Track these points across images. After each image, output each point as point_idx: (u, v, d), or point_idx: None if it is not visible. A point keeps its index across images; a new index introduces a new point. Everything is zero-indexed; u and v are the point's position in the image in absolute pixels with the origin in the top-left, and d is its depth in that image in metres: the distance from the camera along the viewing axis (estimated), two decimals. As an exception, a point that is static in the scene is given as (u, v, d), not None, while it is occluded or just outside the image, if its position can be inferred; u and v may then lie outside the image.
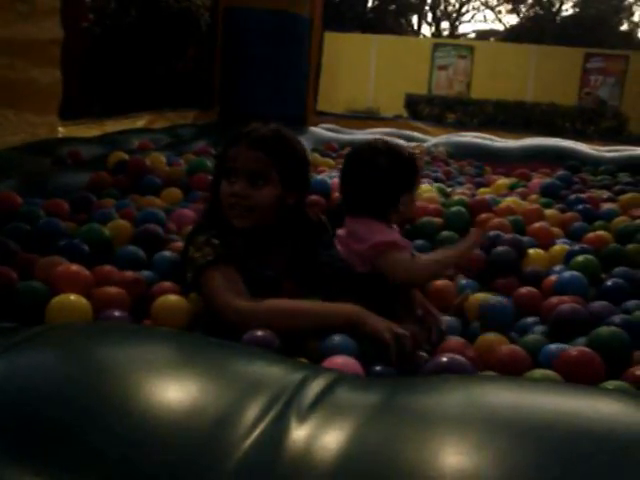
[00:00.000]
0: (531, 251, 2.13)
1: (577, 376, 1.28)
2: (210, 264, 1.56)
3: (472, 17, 42.66)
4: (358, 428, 0.82)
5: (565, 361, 1.35)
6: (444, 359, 1.30)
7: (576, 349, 1.37)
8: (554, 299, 1.77)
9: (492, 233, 2.19)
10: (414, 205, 1.82)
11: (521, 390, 0.91)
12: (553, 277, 1.94)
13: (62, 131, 3.94)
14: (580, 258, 2.03)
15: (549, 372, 1.33)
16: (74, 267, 1.68)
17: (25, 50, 3.45)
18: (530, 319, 1.78)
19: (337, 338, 1.40)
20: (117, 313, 1.55)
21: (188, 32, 6.93)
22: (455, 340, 1.49)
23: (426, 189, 2.79)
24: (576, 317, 1.63)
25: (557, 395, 0.89)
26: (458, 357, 1.30)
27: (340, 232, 1.73)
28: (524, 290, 1.87)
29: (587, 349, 1.37)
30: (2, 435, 0.85)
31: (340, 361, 1.31)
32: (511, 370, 1.35)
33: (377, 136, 4.73)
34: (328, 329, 1.44)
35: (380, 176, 1.68)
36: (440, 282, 1.88)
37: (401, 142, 4.69)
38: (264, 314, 1.48)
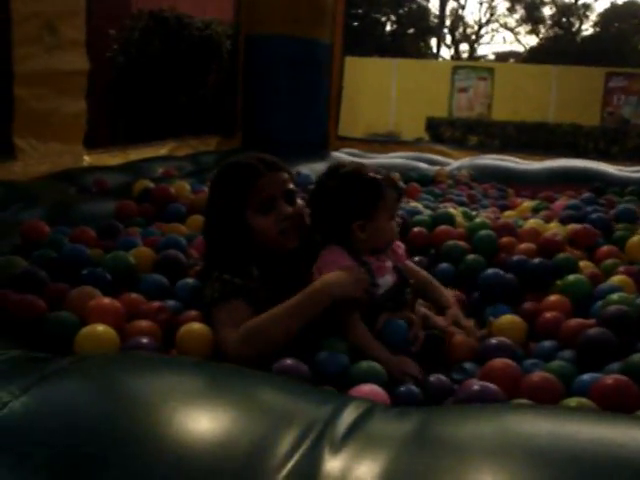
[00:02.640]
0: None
1: (614, 404, 1.25)
2: (217, 301, 1.58)
3: (491, 39, 42.83)
4: (392, 459, 0.81)
5: (601, 389, 1.32)
6: (476, 387, 1.28)
7: (612, 377, 1.34)
8: (572, 322, 1.74)
9: (519, 257, 2.17)
10: (382, 235, 1.69)
11: (557, 418, 0.90)
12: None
13: (87, 160, 4.00)
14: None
15: (585, 400, 1.30)
16: (106, 300, 1.69)
17: (52, 81, 3.52)
18: (547, 343, 1.74)
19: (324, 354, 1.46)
20: (145, 340, 1.54)
21: (210, 60, 7.02)
22: (501, 361, 1.47)
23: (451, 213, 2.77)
24: (606, 342, 1.59)
25: (594, 424, 0.88)
26: (491, 385, 1.29)
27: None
28: (549, 315, 1.84)
29: (623, 377, 1.34)
30: (35, 469, 0.85)
31: (366, 389, 1.31)
32: (544, 399, 1.32)
33: (396, 159, 4.78)
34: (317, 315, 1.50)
35: (327, 201, 1.67)
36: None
37: (424, 165, 4.70)
38: (246, 335, 1.48)
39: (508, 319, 1.80)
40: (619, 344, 1.58)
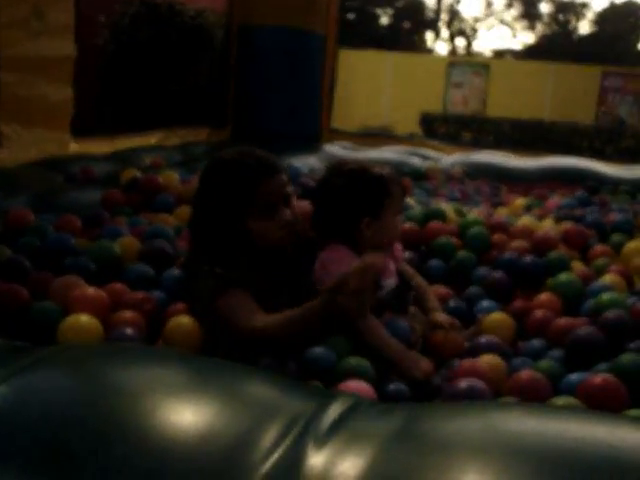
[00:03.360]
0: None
1: (601, 404, 1.24)
2: (218, 293, 1.54)
3: (487, 31, 42.92)
4: (377, 455, 0.80)
5: (589, 389, 1.31)
6: (463, 385, 1.27)
7: (600, 377, 1.34)
8: (561, 321, 1.73)
9: (511, 255, 2.16)
10: (387, 233, 1.67)
11: (543, 417, 0.88)
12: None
13: (74, 147, 3.95)
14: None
15: (572, 399, 1.29)
16: (90, 290, 1.67)
17: (38, 67, 3.48)
18: (536, 342, 1.73)
19: (318, 350, 1.43)
20: (129, 330, 1.54)
21: (202, 49, 6.96)
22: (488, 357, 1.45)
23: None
24: (594, 342, 1.58)
25: (580, 422, 0.86)
26: (478, 383, 1.28)
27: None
28: (539, 313, 1.82)
29: (611, 377, 1.33)
30: (15, 458, 0.84)
31: (353, 385, 1.30)
32: (531, 397, 1.31)
33: (389, 153, 4.76)
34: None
35: (333, 199, 1.64)
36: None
37: (416, 161, 4.68)
38: (277, 327, 1.46)
39: (497, 317, 1.80)
40: (608, 344, 1.57)
